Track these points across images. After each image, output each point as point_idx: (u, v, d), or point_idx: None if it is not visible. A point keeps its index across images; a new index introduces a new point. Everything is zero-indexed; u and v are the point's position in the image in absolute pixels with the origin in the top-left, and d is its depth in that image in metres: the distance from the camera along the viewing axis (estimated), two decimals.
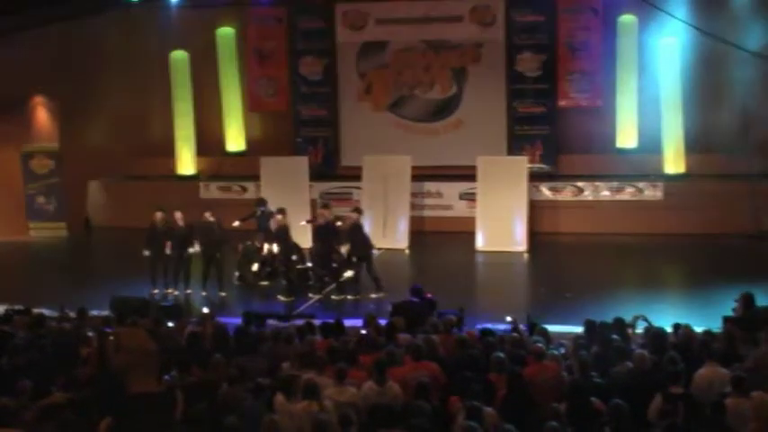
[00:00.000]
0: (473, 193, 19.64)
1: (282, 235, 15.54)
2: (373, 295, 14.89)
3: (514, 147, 21.04)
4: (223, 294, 15.43)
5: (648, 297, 14.14)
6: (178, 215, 15.68)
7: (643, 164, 20.16)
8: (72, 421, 7.20)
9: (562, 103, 20.91)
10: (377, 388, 7.99)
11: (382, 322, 10.77)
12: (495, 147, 20.97)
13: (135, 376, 6.18)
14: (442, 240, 19.53)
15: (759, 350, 8.78)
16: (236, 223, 16.87)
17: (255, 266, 16.32)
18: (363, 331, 10.35)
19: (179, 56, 22.54)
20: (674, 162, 20.02)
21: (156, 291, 15.49)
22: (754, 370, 8.39)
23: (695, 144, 19.93)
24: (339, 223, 16.62)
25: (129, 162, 23.16)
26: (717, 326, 10.68)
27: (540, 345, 8.93)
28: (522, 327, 10.89)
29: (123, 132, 22.99)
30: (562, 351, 9.58)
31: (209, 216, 15.68)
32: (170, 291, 15.58)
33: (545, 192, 20.20)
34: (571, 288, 14.92)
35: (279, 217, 15.54)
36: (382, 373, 8.09)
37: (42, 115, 22.61)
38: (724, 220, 18.68)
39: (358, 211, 15.91)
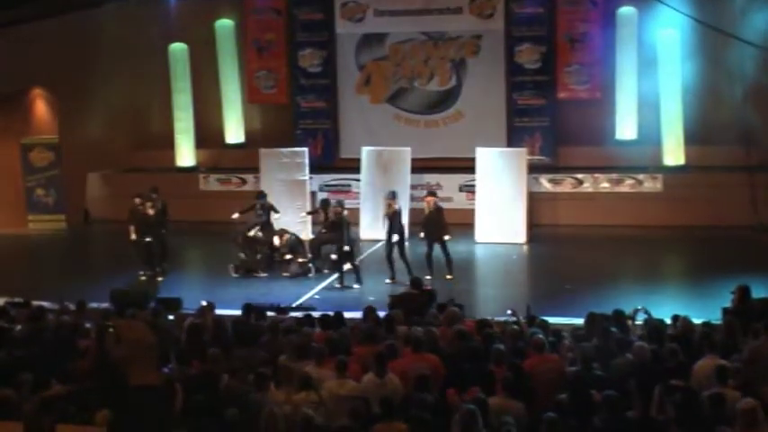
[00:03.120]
0: (472, 185, 19.61)
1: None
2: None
3: (514, 139, 20.98)
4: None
5: (648, 289, 14.15)
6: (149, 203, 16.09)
7: (642, 156, 20.13)
8: (71, 414, 7.21)
9: (561, 94, 20.86)
10: (377, 380, 8.00)
11: (381, 314, 10.77)
12: (494, 139, 20.92)
13: (134, 369, 6.18)
14: None
15: (756, 342, 8.79)
16: (236, 215, 16.88)
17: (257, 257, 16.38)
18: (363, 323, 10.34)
19: (178, 48, 22.46)
20: (673, 154, 19.96)
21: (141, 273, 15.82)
22: (750, 362, 8.40)
23: (695, 136, 19.91)
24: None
25: (129, 154, 23.14)
26: (716, 317, 10.69)
27: (539, 336, 8.93)
28: (522, 319, 10.89)
29: (123, 125, 22.96)
30: (566, 343, 9.57)
31: (138, 202, 16.06)
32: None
33: (544, 183, 20.17)
34: (571, 280, 14.92)
35: (430, 199, 15.59)
36: (382, 366, 8.10)
37: (41, 107, 22.54)
38: (723, 212, 18.64)
39: (434, 194, 15.78)
